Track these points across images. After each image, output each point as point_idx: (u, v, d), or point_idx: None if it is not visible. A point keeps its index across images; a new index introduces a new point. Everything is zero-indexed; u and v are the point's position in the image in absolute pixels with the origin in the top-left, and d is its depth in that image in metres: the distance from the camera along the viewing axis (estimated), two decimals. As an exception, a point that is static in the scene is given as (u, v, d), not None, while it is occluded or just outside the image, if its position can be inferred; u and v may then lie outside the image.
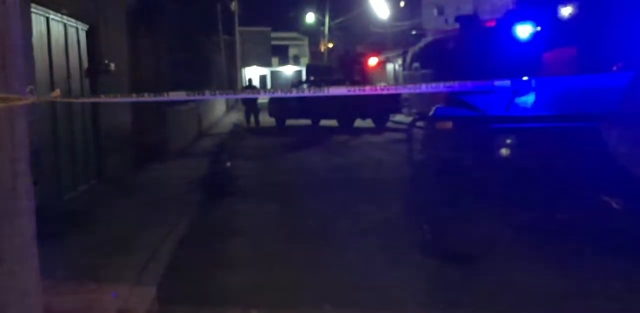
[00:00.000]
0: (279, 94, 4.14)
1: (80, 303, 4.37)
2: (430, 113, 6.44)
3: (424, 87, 3.65)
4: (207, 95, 4.32)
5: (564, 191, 5.10)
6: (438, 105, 6.50)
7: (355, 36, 46.29)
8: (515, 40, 6.31)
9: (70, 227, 6.53)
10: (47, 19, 7.63)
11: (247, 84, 25.38)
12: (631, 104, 2.18)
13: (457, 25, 7.16)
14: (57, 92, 3.25)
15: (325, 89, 3.54)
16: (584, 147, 4.91)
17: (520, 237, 5.90)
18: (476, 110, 5.75)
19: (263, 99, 26.13)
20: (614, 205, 4.81)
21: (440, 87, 3.47)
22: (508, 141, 5.29)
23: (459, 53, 6.74)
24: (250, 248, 6.35)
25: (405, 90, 3.73)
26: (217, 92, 4.19)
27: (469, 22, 7.06)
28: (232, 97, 28.91)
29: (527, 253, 5.65)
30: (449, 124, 5.87)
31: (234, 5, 39.12)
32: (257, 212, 8.29)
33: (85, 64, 9.15)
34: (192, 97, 3.88)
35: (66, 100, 6.42)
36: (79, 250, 5.85)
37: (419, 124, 6.72)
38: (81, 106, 8.63)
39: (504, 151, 5.32)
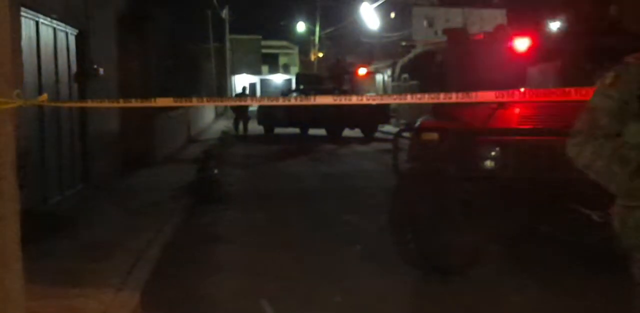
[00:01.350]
0: (265, 102, 4.16)
1: (63, 308, 4.37)
2: (416, 124, 6.48)
3: (409, 98, 3.70)
4: (195, 102, 4.32)
5: (547, 204, 5.15)
6: (424, 117, 6.54)
7: (346, 46, 46.47)
8: (502, 54, 6.36)
9: (55, 231, 6.51)
10: (37, 23, 7.63)
11: (241, 91, 25.19)
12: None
13: (446, 38, 7.21)
14: (45, 96, 3.27)
15: (312, 98, 3.57)
16: (566, 160, 4.95)
17: (504, 249, 5.95)
18: (461, 122, 5.80)
19: (252, 106, 26.10)
20: (595, 218, 4.86)
21: (425, 98, 3.52)
22: (492, 153, 5.33)
23: (446, 65, 6.79)
24: (234, 255, 6.36)
25: (390, 100, 3.77)
26: (205, 99, 4.20)
27: (456, 35, 7.12)
28: (219, 104, 28.87)
29: (510, 266, 5.68)
30: (434, 136, 5.91)
31: (224, 13, 39.27)
32: (242, 218, 8.30)
33: (74, 69, 9.14)
34: (179, 104, 3.90)
35: (53, 104, 6.42)
36: (63, 254, 5.83)
37: (405, 134, 6.75)
38: (69, 110, 8.61)
39: (489, 163, 5.36)
